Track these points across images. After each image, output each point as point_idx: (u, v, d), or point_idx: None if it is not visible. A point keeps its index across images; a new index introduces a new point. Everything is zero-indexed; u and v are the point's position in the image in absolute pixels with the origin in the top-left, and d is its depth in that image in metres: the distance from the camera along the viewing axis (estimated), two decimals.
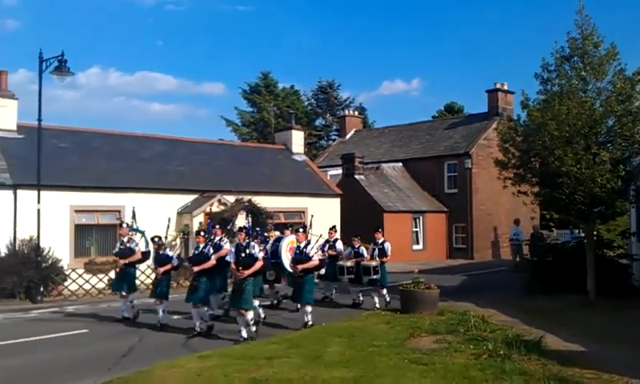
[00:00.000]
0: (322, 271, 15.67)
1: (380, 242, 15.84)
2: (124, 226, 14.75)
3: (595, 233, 16.06)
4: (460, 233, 32.29)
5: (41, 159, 18.13)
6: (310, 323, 12.67)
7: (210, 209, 22.83)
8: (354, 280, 15.64)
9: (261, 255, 11.78)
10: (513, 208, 28.56)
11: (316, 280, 15.62)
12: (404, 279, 16.26)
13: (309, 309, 12.82)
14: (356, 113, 44.88)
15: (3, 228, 18.72)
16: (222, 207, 22.89)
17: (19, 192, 19.19)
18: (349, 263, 15.68)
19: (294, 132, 30.15)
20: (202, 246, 12.47)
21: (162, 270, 12.91)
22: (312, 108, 55.08)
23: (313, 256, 12.81)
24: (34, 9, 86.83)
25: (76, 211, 20.44)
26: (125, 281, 13.99)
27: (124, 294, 13.86)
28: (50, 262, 18.40)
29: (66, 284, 18.64)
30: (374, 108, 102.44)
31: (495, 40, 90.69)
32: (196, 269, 12.24)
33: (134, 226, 15.13)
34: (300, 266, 12.73)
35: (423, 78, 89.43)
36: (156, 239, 13.21)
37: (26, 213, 18.59)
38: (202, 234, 12.81)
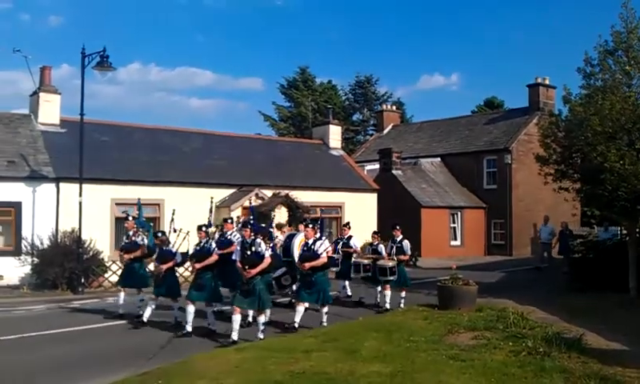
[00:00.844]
0: (334, 269, 15.23)
1: (398, 239, 14.93)
2: (129, 218, 14.10)
3: (638, 230, 15.68)
4: (499, 229, 31.87)
5: (83, 153, 18.45)
6: (297, 325, 11.66)
7: (250, 201, 22.95)
8: (369, 279, 15.04)
9: (268, 253, 11.03)
10: (553, 204, 28.04)
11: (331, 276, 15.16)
12: (441, 275, 16.12)
13: (325, 309, 12.18)
14: (394, 107, 44.65)
15: (46, 220, 19.16)
16: (260, 201, 23.01)
17: (62, 185, 19.63)
18: (365, 261, 15.02)
19: (331, 127, 30.12)
20: (203, 241, 11.80)
21: (164, 267, 12.17)
22: (349, 103, 54.97)
23: (321, 253, 11.88)
24: (77, 5, 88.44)
25: (117, 204, 20.77)
26: (130, 276, 13.45)
27: (126, 290, 13.42)
28: (91, 253, 18.74)
29: (106, 275, 18.98)
30: (412, 103, 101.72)
31: (536, 34, 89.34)
32: (198, 265, 11.61)
33: (141, 220, 14.48)
34: (307, 264, 11.81)
35: (463, 73, 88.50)
36: (159, 234, 12.73)
37: (68, 205, 18.95)
38: (203, 228, 12.03)
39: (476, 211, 31.87)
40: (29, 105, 23.19)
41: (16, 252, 18.60)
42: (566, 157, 15.56)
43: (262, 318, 10.93)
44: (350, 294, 16.31)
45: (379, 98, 53.82)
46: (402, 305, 14.47)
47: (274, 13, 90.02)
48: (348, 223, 17.13)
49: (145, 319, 12.14)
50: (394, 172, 30.66)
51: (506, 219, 31.29)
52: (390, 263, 14.36)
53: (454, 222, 31.12)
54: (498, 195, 31.47)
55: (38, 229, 18.97)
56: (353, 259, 15.37)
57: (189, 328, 11.31)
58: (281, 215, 23.38)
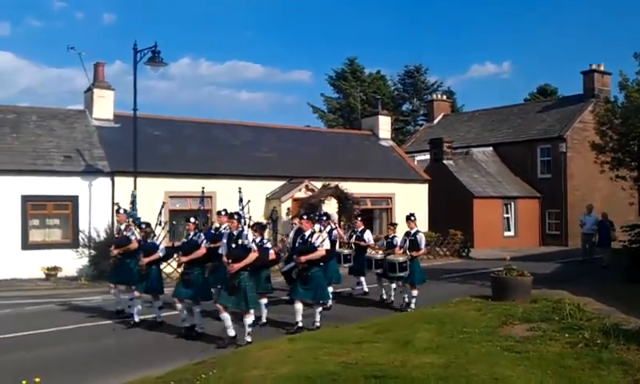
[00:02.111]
0: (347, 265, 14.74)
1: (413, 232, 13.70)
2: (121, 212, 13.28)
3: None
4: (553, 219, 31.22)
5: (137, 147, 18.82)
6: (318, 325, 11.09)
7: (305, 192, 23.07)
8: (382, 275, 14.06)
9: (254, 246, 10.17)
10: (610, 193, 27.32)
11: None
12: (494, 266, 15.85)
13: (319, 307, 11.36)
14: (444, 97, 44.12)
15: (102, 213, 19.65)
16: (310, 193, 23.10)
17: (116, 179, 20.09)
18: (378, 255, 14.04)
19: (380, 117, 29.95)
20: (191, 233, 11.08)
21: (146, 260, 11.46)
22: (399, 93, 54.58)
23: (319, 246, 11.03)
24: (129, 3, 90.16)
25: (170, 197, 21.11)
26: (120, 272, 12.57)
27: (120, 288, 12.67)
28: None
29: (161, 267, 19.28)
30: (463, 92, 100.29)
31: (590, 19, 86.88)
32: (184, 259, 10.89)
33: (133, 213, 13.55)
34: (303, 257, 10.97)
35: (514, 60, 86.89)
36: (143, 226, 12.02)
37: (123, 198, 19.30)
38: (193, 220, 11.23)
39: (530, 201, 31.27)
40: (83, 101, 23.82)
41: (73, 244, 19.10)
42: (622, 144, 15.15)
43: (249, 319, 10.02)
44: (366, 290, 15.47)
45: (429, 87, 53.29)
46: (412, 305, 13.32)
47: (322, 5, 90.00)
48: (360, 215, 16.39)
49: (136, 319, 11.69)
50: (444, 162, 30.33)
51: (562, 209, 30.63)
52: (401, 258, 13.16)
53: (507, 213, 30.61)
54: (553, 184, 30.82)
55: (95, 221, 19.46)
56: (366, 254, 14.50)
57: (186, 324, 10.85)
58: (331, 207, 23.42)
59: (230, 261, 9.87)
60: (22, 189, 18.87)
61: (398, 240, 13.89)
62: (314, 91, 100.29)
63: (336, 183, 23.15)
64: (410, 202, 26.19)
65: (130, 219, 13.09)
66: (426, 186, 27.48)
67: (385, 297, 14.48)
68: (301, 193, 23.11)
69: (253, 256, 9.94)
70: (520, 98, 52.65)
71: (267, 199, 23.31)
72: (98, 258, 18.31)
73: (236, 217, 10.22)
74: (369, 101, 46.23)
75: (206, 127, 25.38)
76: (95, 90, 22.70)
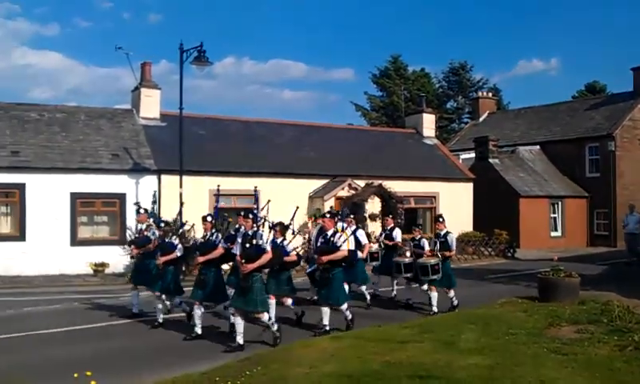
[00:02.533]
0: (373, 264, 14.49)
1: (443, 233, 13.27)
2: (141, 211, 12.99)
3: None
4: (602, 219, 30.49)
5: (182, 146, 19.10)
6: (328, 328, 10.64)
7: (348, 191, 23.07)
8: (412, 280, 13.62)
9: (268, 247, 9.79)
10: None
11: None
12: (541, 267, 15.58)
13: (345, 306, 10.95)
14: (490, 94, 43.46)
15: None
16: (353, 191, 23.09)
17: (163, 177, 20.45)
18: (407, 259, 13.68)
19: (424, 115, 29.72)
20: (208, 233, 10.81)
21: (162, 259, 11.30)
22: (443, 90, 54.08)
23: (341, 245, 10.66)
24: (174, 3, 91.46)
25: (214, 195, 21.30)
26: (141, 273, 12.35)
27: (141, 289, 12.54)
28: (191, 242, 19.32)
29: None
30: (509, 89, 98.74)
31: None
32: (201, 259, 10.67)
33: (153, 213, 13.26)
34: (325, 258, 10.65)
35: (562, 57, 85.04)
36: (162, 224, 11.91)
37: (169, 196, 19.65)
38: (210, 219, 10.96)
39: (578, 201, 30.61)
40: (131, 100, 24.28)
41: (120, 241, 19.45)
42: None
43: (264, 317, 9.88)
44: (395, 293, 14.79)
45: (474, 84, 52.67)
46: (454, 301, 13.20)
47: (365, 2, 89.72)
48: (391, 213, 15.80)
49: (159, 319, 11.59)
50: (490, 161, 29.89)
51: (610, 208, 29.86)
52: (432, 260, 12.78)
53: (554, 212, 30.02)
54: (602, 183, 30.07)
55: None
56: (394, 258, 14.00)
57: (198, 330, 10.49)
58: (374, 206, 23.37)
59: (243, 261, 9.57)
60: (71, 186, 19.34)
61: (425, 242, 13.61)
62: (357, 89, 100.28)
63: (379, 182, 23.07)
64: (454, 201, 25.97)
65: (151, 219, 13.08)
66: (470, 185, 27.17)
67: (411, 301, 13.91)
68: (344, 191, 23.11)
69: (267, 257, 9.61)
70: (568, 96, 51.67)
71: (310, 198, 23.38)
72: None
73: (251, 216, 10.00)
74: (412, 99, 45.95)
75: (249, 126, 25.60)
76: (142, 90, 23.12)
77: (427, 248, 13.37)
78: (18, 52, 79.51)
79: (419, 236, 13.87)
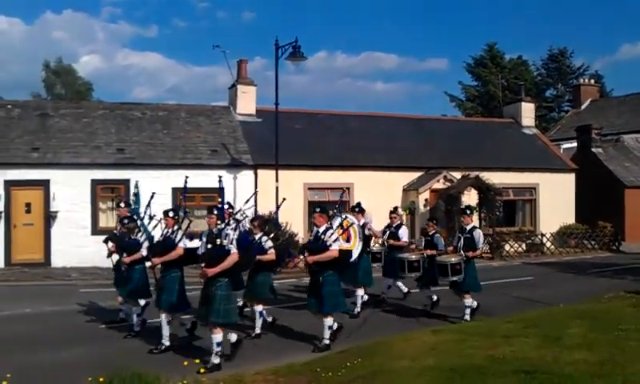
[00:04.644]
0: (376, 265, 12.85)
1: (468, 228, 11.37)
2: (122, 205, 11.53)
3: None
4: None
5: (278, 140, 19.40)
6: (327, 343, 9.20)
7: (443, 183, 22.75)
8: (421, 280, 11.89)
9: (234, 248, 8.27)
10: None
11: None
12: None
13: (329, 321, 9.24)
14: (591, 81, 41.64)
15: (246, 204, 20.38)
16: (448, 184, 22.73)
17: (259, 171, 20.88)
18: (413, 256, 11.96)
19: (523, 104, 28.81)
20: (169, 230, 9.41)
21: (127, 260, 10.12)
22: (542, 78, 52.26)
23: (331, 245, 9.03)
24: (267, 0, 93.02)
25: (309, 188, 21.65)
26: (117, 275, 10.94)
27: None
28: (287, 236, 19.62)
29: (301, 257, 19.74)
30: (612, 75, 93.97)
31: None
32: (156, 260, 9.31)
33: (135, 207, 11.71)
34: (311, 258, 9.15)
35: None
36: (125, 221, 10.53)
37: (265, 190, 19.96)
38: (172, 214, 9.57)
39: None
40: (228, 97, 24.89)
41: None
42: None
43: (217, 336, 8.15)
44: (405, 290, 13.26)
45: (574, 71, 50.57)
46: (466, 316, 11.11)
47: None
48: (396, 208, 13.49)
49: (136, 328, 10.26)
50: (593, 150, 28.57)
51: None
52: (454, 258, 11.02)
53: None
54: None
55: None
56: (398, 255, 12.24)
57: (165, 342, 9.17)
58: (470, 198, 22.90)
59: (202, 265, 8.27)
60: (172, 182, 20.00)
61: (440, 238, 11.87)
62: (451, 79, 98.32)
63: (476, 173, 22.58)
64: (556, 192, 25.11)
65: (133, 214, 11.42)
66: (572, 176, 26.15)
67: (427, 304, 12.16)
68: (439, 184, 22.78)
69: (232, 259, 8.14)
70: None
71: (404, 190, 23.20)
72: None
73: (215, 212, 8.45)
74: (510, 87, 44.66)
75: (344, 119, 25.66)
76: (239, 86, 23.66)
77: (442, 245, 11.74)
78: (120, 54, 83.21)
79: (433, 231, 11.96)
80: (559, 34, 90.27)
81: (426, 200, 22.62)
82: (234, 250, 8.18)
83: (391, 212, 13.32)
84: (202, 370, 7.90)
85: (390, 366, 7.62)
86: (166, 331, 9.12)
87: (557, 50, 50.83)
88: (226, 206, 8.82)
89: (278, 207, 11.14)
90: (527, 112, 28.82)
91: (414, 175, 23.47)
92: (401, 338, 9.19)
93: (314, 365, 7.89)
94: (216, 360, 8.08)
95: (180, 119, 22.83)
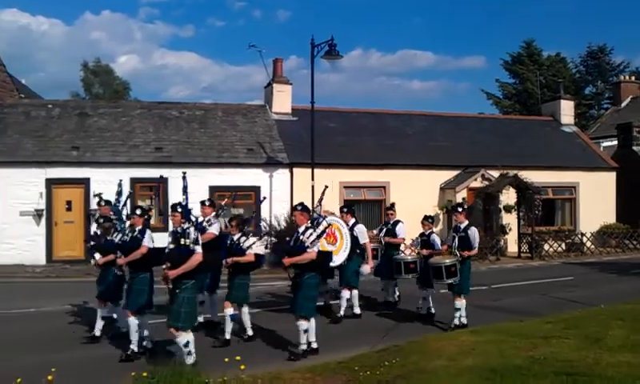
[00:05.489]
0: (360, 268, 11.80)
1: (463, 226, 10.56)
2: (102, 204, 11.03)
3: None
4: None
5: (313, 139, 19.41)
6: (304, 348, 8.72)
7: (481, 182, 22.51)
8: (419, 281, 11.29)
9: (198, 248, 7.78)
10: None
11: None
12: None
13: (304, 325, 8.69)
14: (632, 78, 40.75)
15: (281, 202, 20.51)
16: (486, 182, 22.48)
17: (295, 170, 20.96)
18: (409, 257, 11.70)
19: (562, 102, 28.36)
20: (137, 228, 8.99)
21: (102, 260, 9.76)
22: (580, 75, 51.34)
23: (308, 247, 8.63)
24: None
25: (344, 187, 21.61)
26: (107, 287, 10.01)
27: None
28: (272, 234, 19.57)
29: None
30: None
31: None
32: (120, 261, 9.05)
33: (116, 206, 10.89)
34: (287, 260, 8.73)
35: None
36: (101, 220, 10.18)
37: (301, 189, 20.04)
38: (139, 212, 9.12)
39: None
40: (263, 96, 25.05)
41: (256, 232, 20.05)
42: None
43: (181, 338, 7.71)
44: (397, 298, 12.59)
45: (614, 68, 49.53)
46: (456, 321, 10.35)
47: None
48: (393, 205, 12.70)
49: (96, 332, 9.74)
50: (635, 148, 27.94)
51: None
52: (448, 260, 10.30)
53: None
54: None
55: (275, 210, 20.32)
56: (394, 256, 11.75)
57: (133, 347, 8.65)
58: (509, 197, 22.62)
59: (164, 267, 7.86)
60: (209, 180, 20.19)
61: (436, 238, 11.23)
62: (488, 77, 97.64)
63: (514, 172, 22.25)
64: (596, 191, 24.68)
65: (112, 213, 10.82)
66: (613, 175, 25.65)
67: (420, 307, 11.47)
68: (477, 182, 22.53)
69: (195, 260, 7.69)
70: None
71: (441, 189, 23.01)
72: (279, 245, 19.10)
73: (179, 210, 7.93)
74: (548, 85, 44.00)
75: (379, 117, 25.55)
76: (275, 85, 23.75)
77: (439, 245, 11.08)
78: (156, 53, 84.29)
79: (429, 230, 11.38)
80: (598, 30, 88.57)
81: (463, 199, 22.36)
82: (198, 250, 7.76)
83: (387, 208, 12.96)
84: (145, 374, 7.19)
85: (428, 365, 7.54)
86: (134, 336, 8.62)
87: (596, 46, 49.89)
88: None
89: (321, 198, 10.99)
90: (566, 110, 28.37)
91: (451, 174, 23.27)
92: (438, 338, 9.13)
93: (352, 364, 7.86)
94: (190, 360, 7.66)
95: (216, 118, 23.01)
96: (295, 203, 11.26)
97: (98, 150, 20.39)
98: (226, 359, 7.81)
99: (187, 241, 7.69)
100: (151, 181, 20.21)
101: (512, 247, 22.90)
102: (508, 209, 22.68)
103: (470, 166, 23.16)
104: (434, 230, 11.87)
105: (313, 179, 19.45)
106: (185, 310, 7.66)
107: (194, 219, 8.23)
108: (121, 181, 11.98)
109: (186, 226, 7.81)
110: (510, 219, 22.81)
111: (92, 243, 10.33)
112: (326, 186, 11.68)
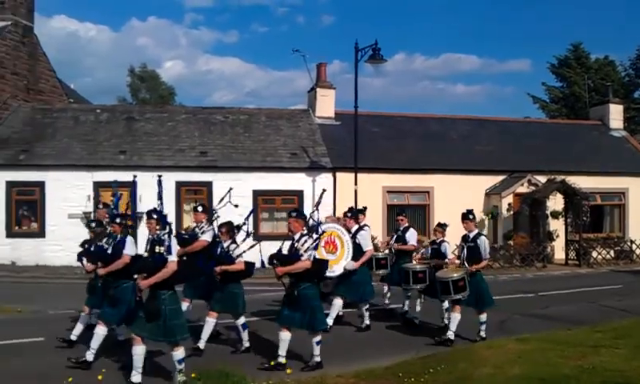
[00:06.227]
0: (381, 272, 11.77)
1: (472, 235, 9.95)
2: (100, 207, 10.83)
3: None
4: None
5: (357, 144, 19.39)
6: (318, 360, 8.26)
7: (527, 187, 22.14)
8: (427, 292, 10.63)
9: (173, 256, 7.32)
10: None
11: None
12: None
13: (317, 337, 8.27)
14: None
15: (324, 207, 20.40)
16: (533, 188, 22.12)
17: (338, 174, 20.94)
18: (418, 266, 10.80)
19: (611, 106, 27.66)
20: (118, 236, 8.75)
21: (89, 267, 9.16)
22: (630, 79, 50.00)
23: (303, 255, 8.18)
24: (346, 3, 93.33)
25: (388, 192, 21.54)
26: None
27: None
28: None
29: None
30: None
31: None
32: (101, 271, 8.68)
33: (111, 209, 10.22)
34: (280, 269, 8.22)
35: None
36: (93, 224, 9.67)
37: (344, 193, 19.99)
38: (118, 220, 8.86)
39: None
40: (307, 100, 25.08)
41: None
42: None
43: (177, 353, 7.35)
44: (406, 308, 11.54)
45: None
46: (482, 333, 9.82)
47: None
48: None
49: (72, 337, 9.27)
50: None
51: None
52: (455, 274, 9.63)
53: None
54: None
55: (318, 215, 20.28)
56: (402, 265, 11.10)
57: (89, 357, 8.16)
58: (556, 203, 22.20)
59: (136, 276, 7.55)
60: (253, 184, 20.32)
61: (447, 247, 10.55)
62: (534, 81, 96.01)
63: (562, 177, 21.82)
64: None
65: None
66: None
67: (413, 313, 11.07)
68: (523, 188, 22.16)
69: (169, 269, 7.23)
70: None
71: (487, 194, 22.72)
72: None
73: (155, 216, 7.50)
74: (596, 88, 43.04)
75: (422, 122, 25.38)
76: (318, 90, 23.80)
77: (449, 255, 10.54)
78: (201, 59, 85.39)
79: (441, 238, 10.65)
80: None
81: (509, 204, 22.08)
82: (172, 258, 7.29)
83: (398, 214, 12.56)
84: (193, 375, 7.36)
85: (473, 373, 7.45)
86: (95, 343, 8.18)
87: None
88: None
89: (318, 202, 10.23)
90: (615, 114, 27.65)
91: (496, 179, 22.95)
92: (483, 346, 9.02)
93: (396, 370, 7.80)
94: (182, 378, 7.31)
95: (260, 123, 23.17)
96: (346, 208, 11.23)
97: (145, 154, 20.71)
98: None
99: (162, 249, 7.28)
100: (196, 184, 20.48)
101: (559, 254, 22.45)
102: (555, 215, 22.26)
103: (516, 170, 22.80)
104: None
105: (356, 184, 19.43)
106: (176, 323, 7.30)
107: (169, 228, 7.55)
108: (115, 181, 11.34)
109: (161, 233, 7.39)
110: (557, 225, 22.37)
111: (82, 248, 9.70)
112: (324, 190, 11.04)
